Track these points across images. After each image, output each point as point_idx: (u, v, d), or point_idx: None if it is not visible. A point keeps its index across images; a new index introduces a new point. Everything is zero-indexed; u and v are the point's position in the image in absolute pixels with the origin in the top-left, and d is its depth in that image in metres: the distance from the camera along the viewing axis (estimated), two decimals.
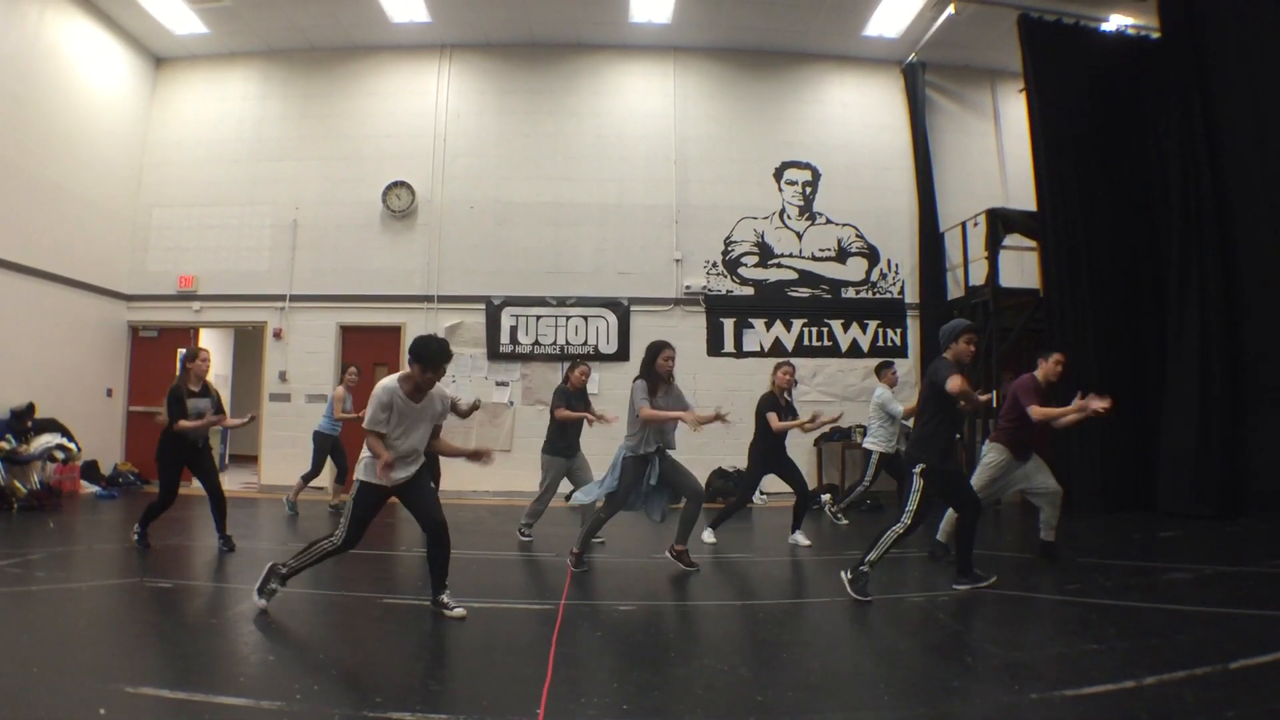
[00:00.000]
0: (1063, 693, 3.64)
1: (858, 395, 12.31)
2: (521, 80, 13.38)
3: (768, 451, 7.94)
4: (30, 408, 10.46)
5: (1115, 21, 12.08)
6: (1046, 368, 6.89)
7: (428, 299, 12.76)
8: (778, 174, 13.26)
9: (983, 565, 6.87)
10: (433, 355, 4.83)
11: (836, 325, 12.94)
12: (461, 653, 4.49)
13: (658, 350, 6.65)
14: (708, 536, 8.07)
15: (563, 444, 8.05)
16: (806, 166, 13.29)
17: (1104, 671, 3.89)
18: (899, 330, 12.97)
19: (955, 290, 12.75)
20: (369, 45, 13.32)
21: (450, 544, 5.10)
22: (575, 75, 13.41)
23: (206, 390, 7.13)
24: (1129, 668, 3.92)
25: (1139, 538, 8.49)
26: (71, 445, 10.65)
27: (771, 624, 5.03)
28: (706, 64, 13.48)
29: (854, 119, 13.52)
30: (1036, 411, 6.46)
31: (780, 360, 8.60)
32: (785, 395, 8.02)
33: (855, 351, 12.85)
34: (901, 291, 13.12)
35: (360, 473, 5.02)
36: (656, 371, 6.60)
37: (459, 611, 5.04)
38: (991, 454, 6.93)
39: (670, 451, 6.67)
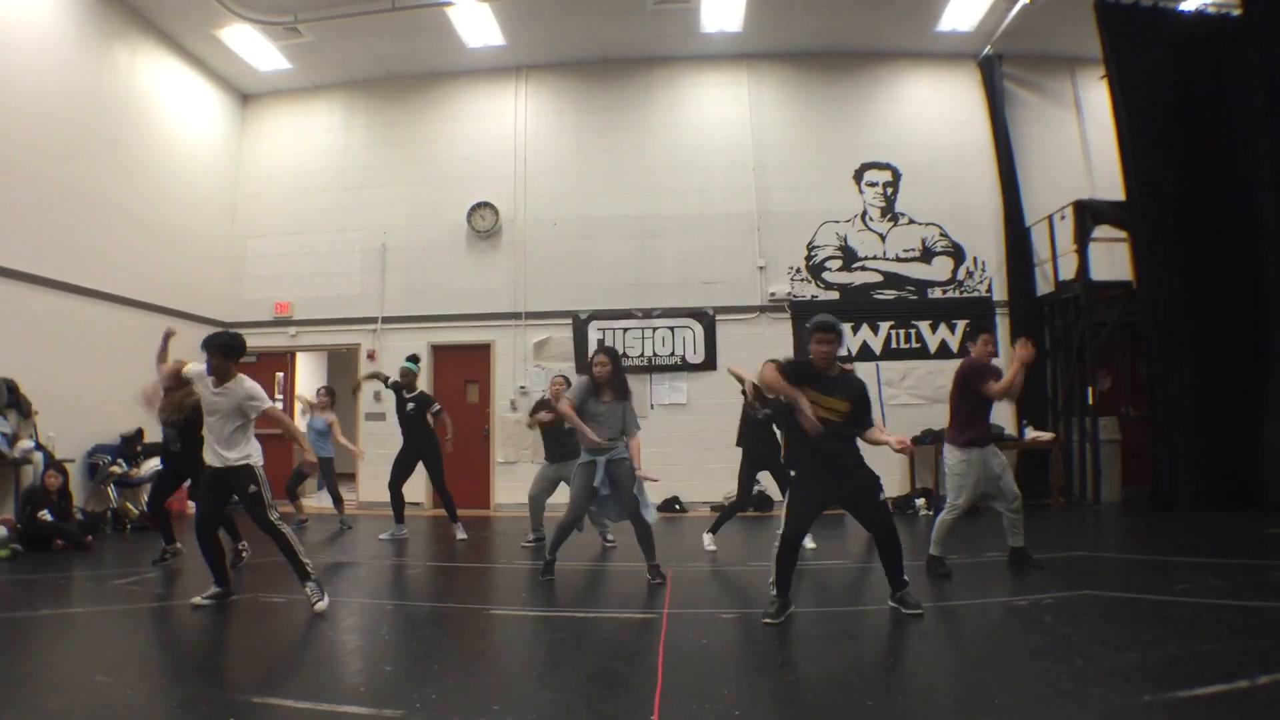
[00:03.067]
0: (1176, 694, 3.57)
1: (948, 397, 12.11)
2: (597, 97, 13.55)
3: (750, 449, 8.22)
4: (139, 433, 10.89)
5: (1194, 1, 11.79)
6: (979, 350, 6.72)
7: (515, 316, 12.99)
8: (857, 176, 13.16)
9: (1074, 567, 6.80)
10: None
11: (924, 326, 12.77)
12: (572, 661, 4.54)
13: (593, 356, 6.75)
14: (708, 544, 8.16)
15: (550, 452, 8.56)
16: (886, 167, 13.17)
17: (1217, 672, 3.81)
18: (989, 329, 12.65)
19: (1045, 286, 12.53)
20: (447, 71, 13.62)
21: (207, 541, 5.84)
22: (650, 89, 13.52)
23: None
24: (1243, 668, 3.84)
25: (1247, 535, 8.31)
26: None
27: (874, 630, 5.03)
28: (780, 69, 13.47)
29: (932, 116, 13.36)
30: (997, 388, 6.35)
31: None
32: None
33: (944, 352, 12.60)
34: (989, 289, 12.88)
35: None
36: (594, 376, 6.64)
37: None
38: (949, 459, 6.68)
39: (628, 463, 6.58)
